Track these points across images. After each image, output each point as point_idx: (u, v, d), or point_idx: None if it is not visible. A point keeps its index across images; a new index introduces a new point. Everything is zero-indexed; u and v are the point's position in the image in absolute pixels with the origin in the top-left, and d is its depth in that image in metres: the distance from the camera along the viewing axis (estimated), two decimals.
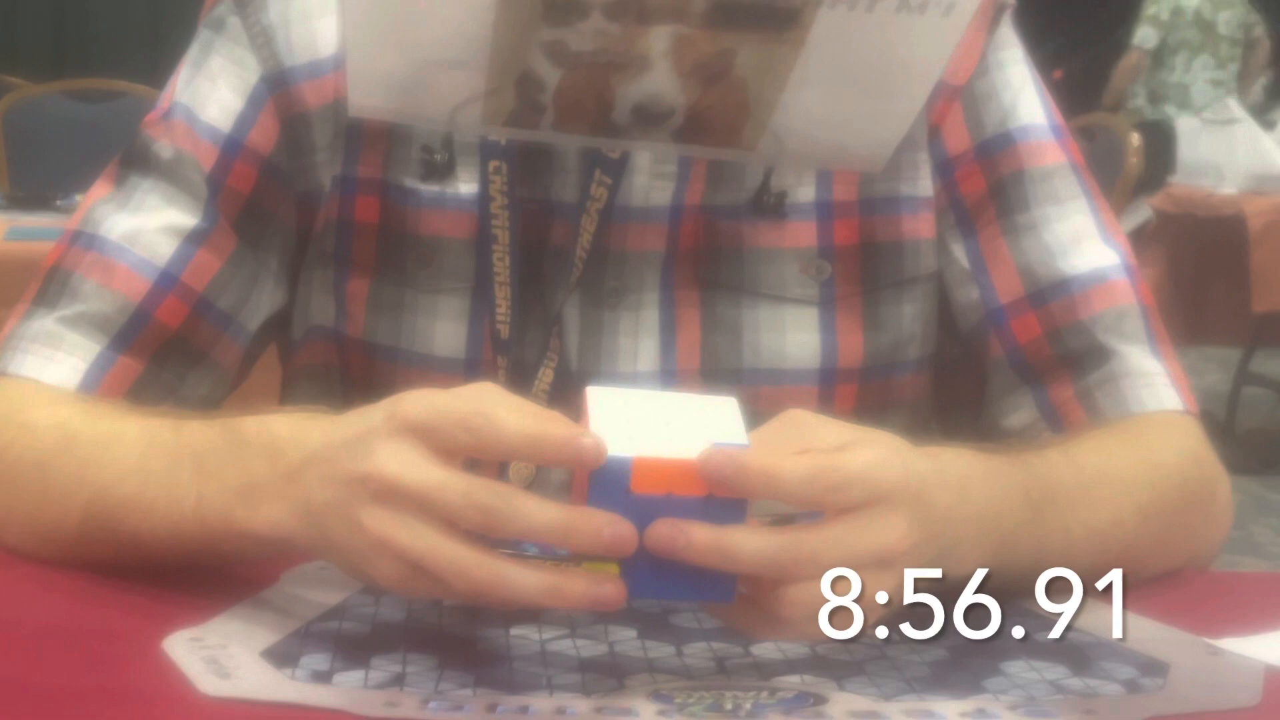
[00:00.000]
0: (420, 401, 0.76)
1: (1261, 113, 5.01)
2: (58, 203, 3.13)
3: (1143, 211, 4.67)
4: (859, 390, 1.04)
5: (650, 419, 0.74)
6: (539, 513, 0.72)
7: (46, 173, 3.74)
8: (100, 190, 1.06)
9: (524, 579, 0.72)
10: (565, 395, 1.01)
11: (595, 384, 0.77)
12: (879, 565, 0.75)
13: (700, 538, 0.72)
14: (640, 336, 1.03)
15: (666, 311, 1.03)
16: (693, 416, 0.75)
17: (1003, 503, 0.84)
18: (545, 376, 1.02)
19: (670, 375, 1.02)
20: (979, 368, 1.07)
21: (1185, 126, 4.87)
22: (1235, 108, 4.68)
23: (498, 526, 0.72)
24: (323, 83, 1.05)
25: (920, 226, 1.05)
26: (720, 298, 1.03)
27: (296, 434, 0.81)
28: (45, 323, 1.02)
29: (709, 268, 1.03)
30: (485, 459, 0.77)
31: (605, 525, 0.72)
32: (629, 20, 0.82)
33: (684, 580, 0.73)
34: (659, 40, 0.83)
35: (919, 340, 1.07)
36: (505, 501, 0.72)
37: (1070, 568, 0.90)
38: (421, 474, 0.73)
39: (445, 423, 0.74)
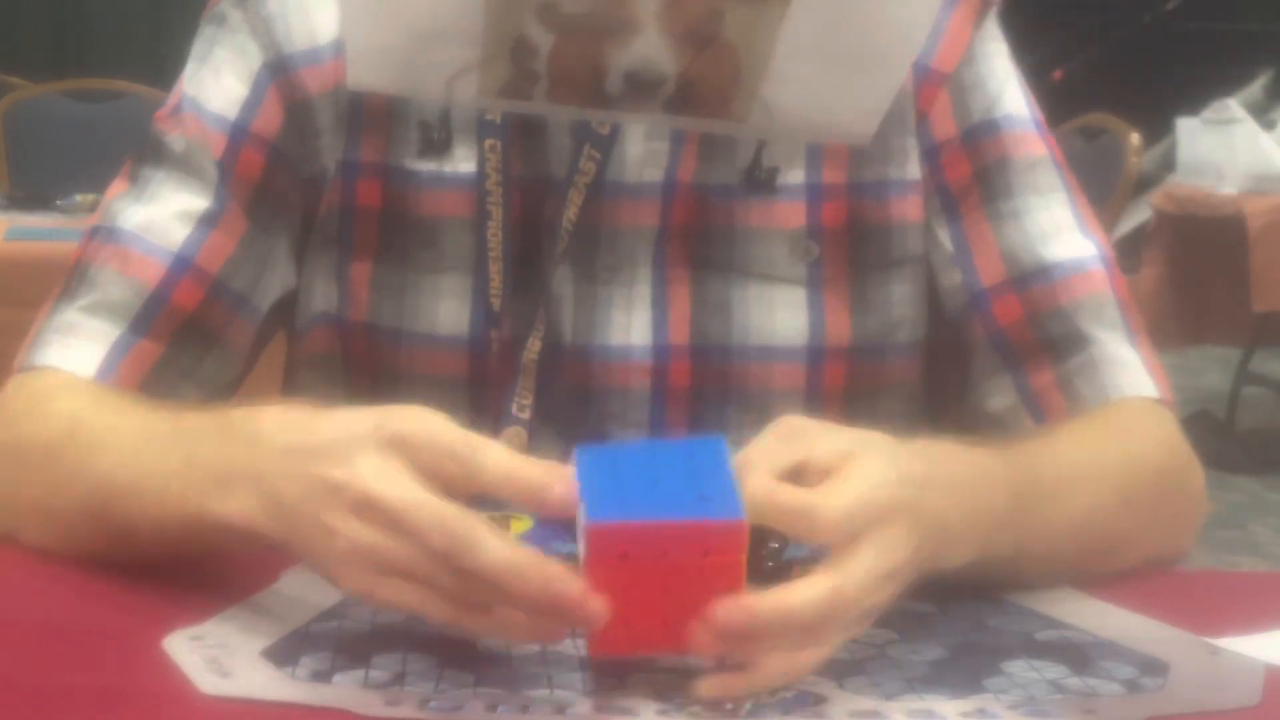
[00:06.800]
0: (414, 419, 0.76)
1: (1261, 113, 4.99)
2: (58, 203, 3.13)
3: (1143, 211, 4.66)
4: (848, 370, 1.06)
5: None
6: (498, 551, 0.72)
7: (46, 173, 3.74)
8: (117, 187, 1.09)
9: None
10: (555, 367, 1.03)
11: (581, 446, 0.77)
12: (888, 581, 0.77)
13: (762, 607, 0.72)
14: (633, 311, 1.05)
15: (659, 288, 1.05)
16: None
17: (988, 495, 0.85)
18: (533, 347, 1.04)
19: (662, 350, 1.04)
20: (963, 353, 1.08)
21: (1185, 126, 4.86)
22: (1235, 108, 4.67)
23: (458, 555, 0.72)
24: (323, 69, 1.07)
25: (908, 210, 1.07)
26: (710, 276, 1.05)
27: (279, 426, 0.81)
28: (67, 314, 1.04)
29: (700, 246, 1.05)
30: (461, 489, 0.76)
31: (552, 581, 0.72)
32: None
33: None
34: (649, 1, 0.85)
35: (909, 324, 1.09)
36: (470, 532, 0.72)
37: (1053, 557, 0.91)
38: (400, 491, 0.74)
39: (433, 446, 0.75)
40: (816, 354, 1.05)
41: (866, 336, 1.07)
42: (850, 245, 1.06)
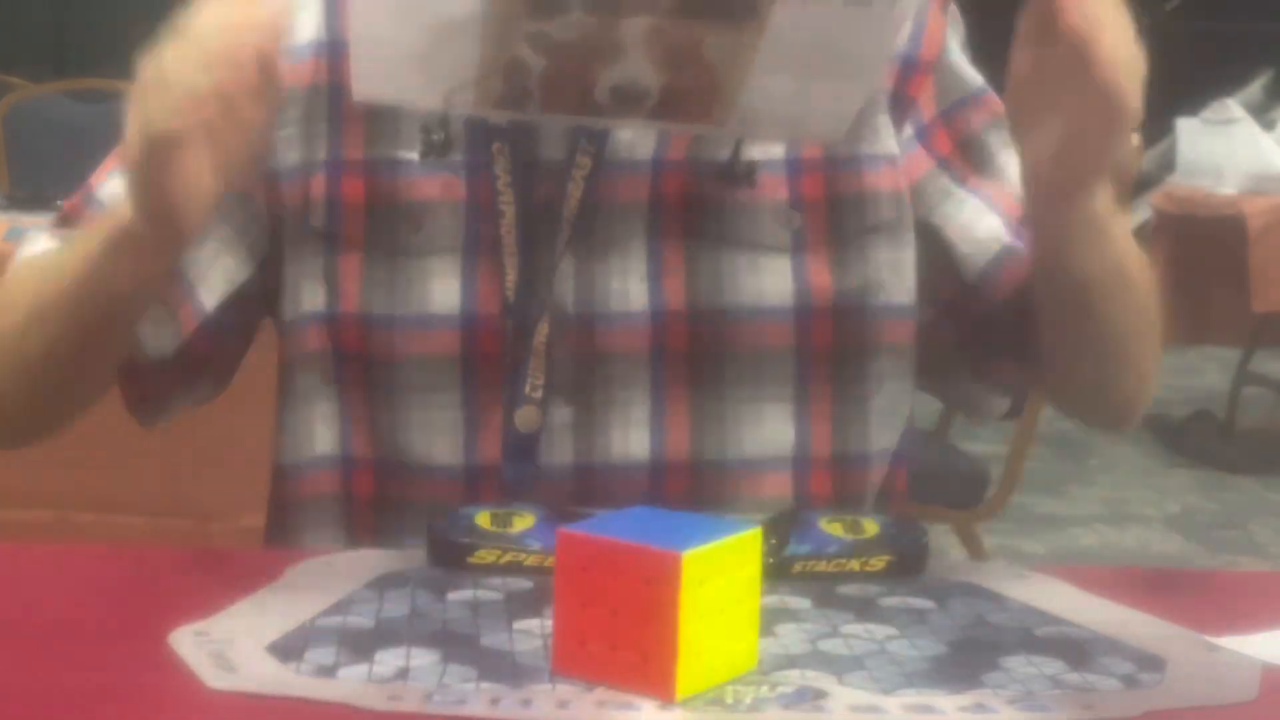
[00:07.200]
0: None
1: (1261, 113, 4.99)
2: (58, 203, 3.13)
3: (1143, 211, 4.66)
4: (834, 328, 1.12)
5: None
6: None
7: (46, 173, 3.73)
8: (112, 161, 1.17)
9: None
10: (561, 342, 1.08)
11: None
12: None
13: None
14: (629, 280, 1.10)
15: (654, 257, 1.10)
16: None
17: None
18: (542, 331, 1.08)
19: (659, 314, 1.09)
20: (977, 312, 1.15)
21: (1185, 126, 4.85)
22: (1235, 108, 4.67)
23: None
24: (299, 67, 1.11)
25: (881, 180, 1.13)
26: (702, 245, 1.10)
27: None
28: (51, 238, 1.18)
29: (691, 219, 1.10)
30: None
31: None
32: (605, 13, 0.89)
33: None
34: (633, 30, 0.90)
35: (888, 287, 1.14)
36: None
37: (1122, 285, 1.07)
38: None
39: None
40: (804, 313, 1.11)
41: (847, 296, 1.12)
42: (829, 214, 1.13)
